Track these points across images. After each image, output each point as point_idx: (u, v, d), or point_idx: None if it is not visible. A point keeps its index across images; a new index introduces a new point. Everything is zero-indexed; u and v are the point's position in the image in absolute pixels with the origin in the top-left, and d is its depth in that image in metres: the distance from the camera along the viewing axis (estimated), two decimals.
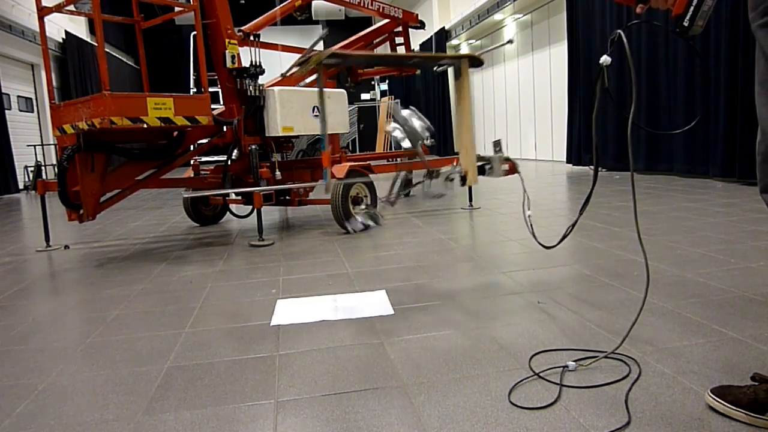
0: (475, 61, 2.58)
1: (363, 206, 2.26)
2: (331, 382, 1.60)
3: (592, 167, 8.16)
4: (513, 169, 2.60)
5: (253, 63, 4.28)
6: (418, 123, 2.37)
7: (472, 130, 2.56)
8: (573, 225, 1.86)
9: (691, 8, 1.26)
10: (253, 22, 4.65)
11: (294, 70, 4.90)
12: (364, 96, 16.90)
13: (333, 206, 4.02)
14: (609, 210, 4.29)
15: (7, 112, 10.16)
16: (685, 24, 1.27)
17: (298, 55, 4.92)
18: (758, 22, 1.18)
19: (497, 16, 11.26)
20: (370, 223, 2.28)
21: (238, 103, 4.29)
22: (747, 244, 2.96)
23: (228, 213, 4.96)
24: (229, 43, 4.18)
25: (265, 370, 1.73)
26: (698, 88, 6.13)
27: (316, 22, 18.66)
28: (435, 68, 2.72)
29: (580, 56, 8.26)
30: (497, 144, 2.55)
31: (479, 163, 2.55)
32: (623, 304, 2.12)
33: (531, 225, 2.20)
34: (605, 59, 1.49)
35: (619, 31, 1.47)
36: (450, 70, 2.69)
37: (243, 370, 1.73)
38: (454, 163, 2.61)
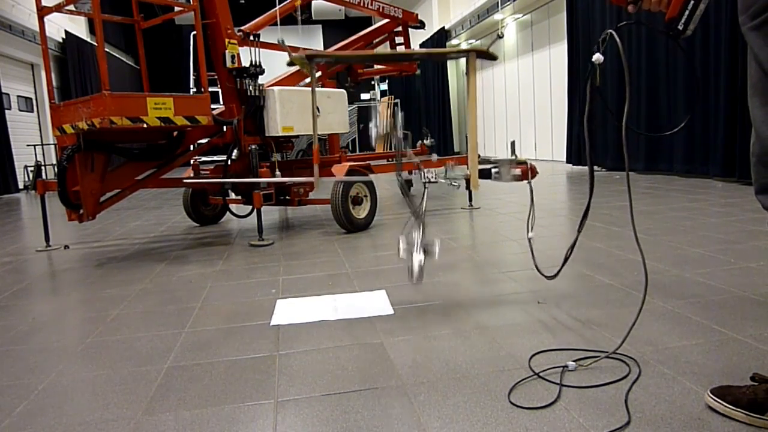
0: (486, 56, 2.37)
1: (417, 242, 2.05)
2: (331, 382, 1.60)
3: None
4: (525, 175, 2.26)
5: (253, 63, 4.28)
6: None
7: (474, 131, 2.41)
8: (572, 247, 1.76)
9: (686, 12, 1.25)
10: (253, 22, 4.65)
11: (291, 69, 4.88)
12: (364, 96, 16.89)
13: (333, 206, 4.03)
14: (609, 210, 4.29)
15: (7, 112, 10.16)
16: (680, 27, 1.27)
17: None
18: (749, 25, 1.15)
19: (497, 16, 11.26)
20: (424, 256, 2.07)
21: (238, 103, 4.28)
22: (747, 244, 2.96)
23: (228, 213, 4.96)
24: (229, 43, 4.18)
25: (264, 370, 1.73)
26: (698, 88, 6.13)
27: (317, 22, 18.67)
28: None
29: (580, 56, 8.26)
30: (513, 145, 2.36)
31: (485, 167, 2.36)
32: (623, 304, 2.12)
33: (532, 250, 2.09)
34: (597, 57, 1.47)
35: (610, 30, 1.45)
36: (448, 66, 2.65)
37: (243, 370, 1.73)
38: (449, 164, 2.53)
